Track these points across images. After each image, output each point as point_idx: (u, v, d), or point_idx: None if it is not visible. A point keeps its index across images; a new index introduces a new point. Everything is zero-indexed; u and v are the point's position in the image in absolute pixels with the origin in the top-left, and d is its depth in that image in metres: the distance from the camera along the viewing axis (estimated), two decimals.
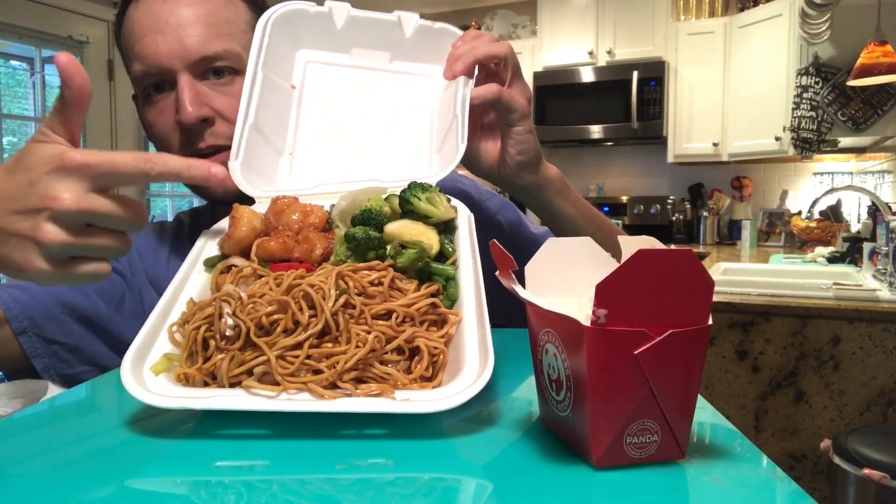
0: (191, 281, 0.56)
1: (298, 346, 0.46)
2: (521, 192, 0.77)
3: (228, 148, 0.72)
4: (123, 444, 0.44)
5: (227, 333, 0.47)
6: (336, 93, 0.74)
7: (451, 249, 0.57)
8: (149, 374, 0.47)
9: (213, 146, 0.78)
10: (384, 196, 0.60)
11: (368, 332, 0.47)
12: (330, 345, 0.46)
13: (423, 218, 0.57)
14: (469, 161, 0.75)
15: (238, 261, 0.56)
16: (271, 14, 0.74)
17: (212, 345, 0.48)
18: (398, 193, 0.58)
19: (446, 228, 0.59)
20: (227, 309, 0.48)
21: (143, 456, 0.42)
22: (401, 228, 0.55)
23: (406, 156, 0.68)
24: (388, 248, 0.54)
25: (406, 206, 0.57)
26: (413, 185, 0.57)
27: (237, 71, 0.78)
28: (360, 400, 0.44)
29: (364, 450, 0.42)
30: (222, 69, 0.77)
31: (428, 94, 0.74)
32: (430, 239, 0.55)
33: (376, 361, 0.47)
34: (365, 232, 0.54)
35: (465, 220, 0.60)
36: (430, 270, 0.54)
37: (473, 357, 0.46)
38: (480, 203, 0.91)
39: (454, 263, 0.55)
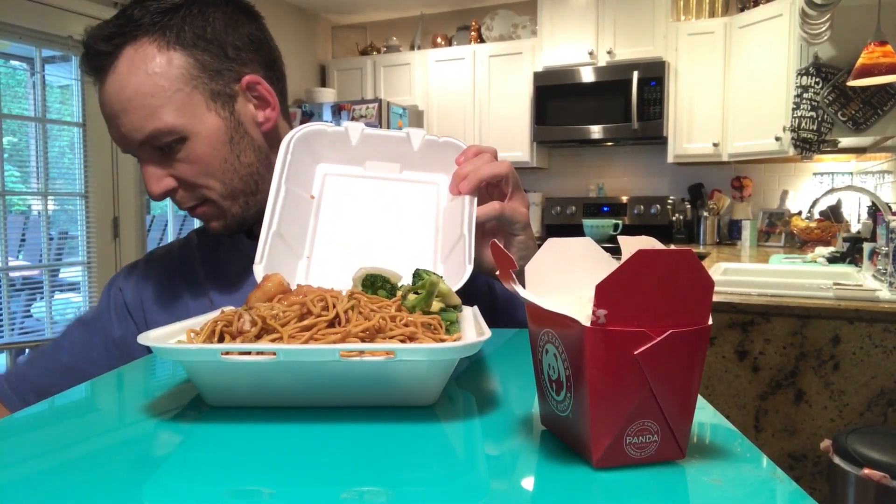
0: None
1: (309, 330, 0.49)
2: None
3: (206, 202, 0.83)
4: (123, 445, 0.44)
5: (244, 328, 0.49)
6: (351, 201, 0.82)
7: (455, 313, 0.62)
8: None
9: (189, 206, 0.84)
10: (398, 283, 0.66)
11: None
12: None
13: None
14: (474, 265, 0.79)
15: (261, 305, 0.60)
16: (294, 134, 0.81)
17: (227, 338, 0.50)
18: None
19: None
20: (246, 315, 0.50)
21: (144, 456, 0.42)
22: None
23: (413, 261, 0.75)
24: (398, 293, 0.60)
25: (417, 281, 0.62)
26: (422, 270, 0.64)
27: (181, 137, 0.79)
28: (367, 345, 0.46)
29: (362, 446, 0.42)
30: (163, 144, 0.79)
31: (434, 201, 0.83)
32: (443, 286, 0.60)
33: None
34: (377, 279, 0.61)
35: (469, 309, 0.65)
36: (436, 314, 0.58)
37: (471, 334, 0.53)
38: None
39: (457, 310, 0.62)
